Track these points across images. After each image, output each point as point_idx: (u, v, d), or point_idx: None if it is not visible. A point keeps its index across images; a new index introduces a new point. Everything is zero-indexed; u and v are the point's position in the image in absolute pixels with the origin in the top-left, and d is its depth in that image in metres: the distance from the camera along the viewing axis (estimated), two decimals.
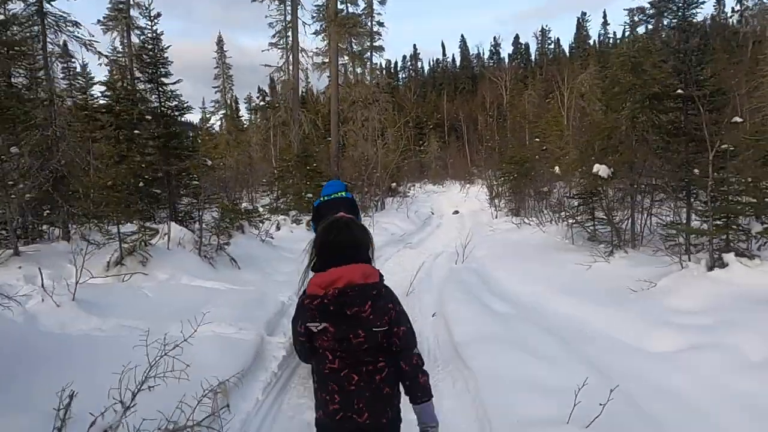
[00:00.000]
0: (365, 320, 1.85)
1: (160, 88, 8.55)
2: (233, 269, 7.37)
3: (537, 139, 18.16)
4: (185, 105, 8.45)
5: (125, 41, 20.22)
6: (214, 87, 29.87)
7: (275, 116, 19.40)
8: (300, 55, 16.78)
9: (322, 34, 17.71)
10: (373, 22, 28.25)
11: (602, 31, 73.71)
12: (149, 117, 8.39)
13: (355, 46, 21.05)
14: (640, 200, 9.01)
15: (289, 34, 17.14)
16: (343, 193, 5.76)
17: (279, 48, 20.00)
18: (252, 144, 29.99)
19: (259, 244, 9.43)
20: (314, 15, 20.77)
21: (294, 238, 11.50)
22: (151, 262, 6.55)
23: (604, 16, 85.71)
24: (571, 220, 10.37)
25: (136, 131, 8.48)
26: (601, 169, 9.04)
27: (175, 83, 8.56)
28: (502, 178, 16.91)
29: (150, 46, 8.41)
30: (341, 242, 1.92)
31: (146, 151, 8.39)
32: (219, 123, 31.85)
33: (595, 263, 7.44)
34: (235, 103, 32.17)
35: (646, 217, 9.34)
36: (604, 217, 9.74)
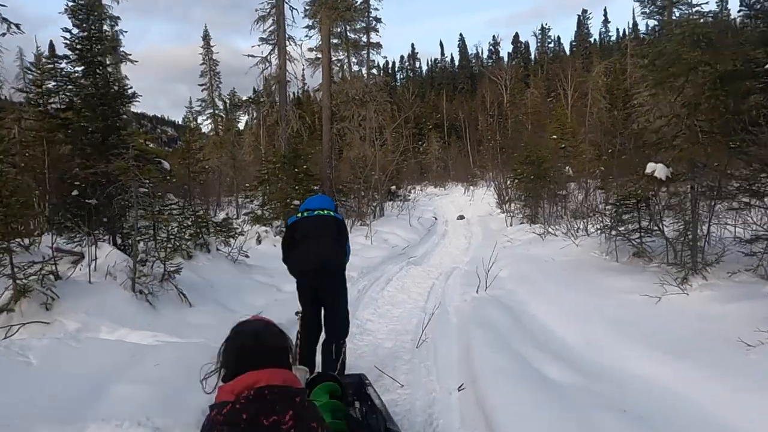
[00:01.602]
0: None
1: (97, 70, 6.68)
2: (181, 307, 5.48)
3: (554, 137, 16.31)
4: (129, 91, 6.56)
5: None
6: (201, 85, 27.95)
7: (261, 113, 17.59)
8: (287, 43, 14.92)
9: (314, 20, 15.88)
10: (370, 17, 26.64)
11: (603, 29, 72.26)
12: (80, 105, 6.52)
13: (350, 35, 19.24)
14: (708, 207, 7.16)
15: (277, 22, 15.25)
16: (331, 212, 4.21)
17: (270, 43, 18.17)
18: (244, 146, 28.15)
19: (228, 266, 7.57)
20: (307, 8, 19.02)
21: (275, 254, 9.57)
22: (60, 304, 4.67)
23: (605, 14, 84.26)
24: (611, 231, 8.56)
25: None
26: (658, 169, 7.16)
27: (116, 63, 6.70)
28: (516, 180, 15.05)
29: (81, 15, 6.51)
30: (265, 347, 1.59)
31: (79, 148, 6.53)
32: (208, 124, 29.94)
33: (665, 294, 5.58)
34: (230, 104, 30.21)
35: (707, 228, 7.51)
36: (656, 228, 7.96)
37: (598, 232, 8.89)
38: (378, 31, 27.83)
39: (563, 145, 15.74)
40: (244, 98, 17.04)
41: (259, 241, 10.45)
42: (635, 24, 59.24)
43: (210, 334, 4.89)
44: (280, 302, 6.42)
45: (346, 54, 27.69)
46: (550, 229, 10.73)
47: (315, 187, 14.12)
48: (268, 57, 15.32)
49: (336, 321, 4.02)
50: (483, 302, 6.16)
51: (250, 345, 1.59)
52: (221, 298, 6.18)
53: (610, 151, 18.49)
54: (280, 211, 11.81)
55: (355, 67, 28.01)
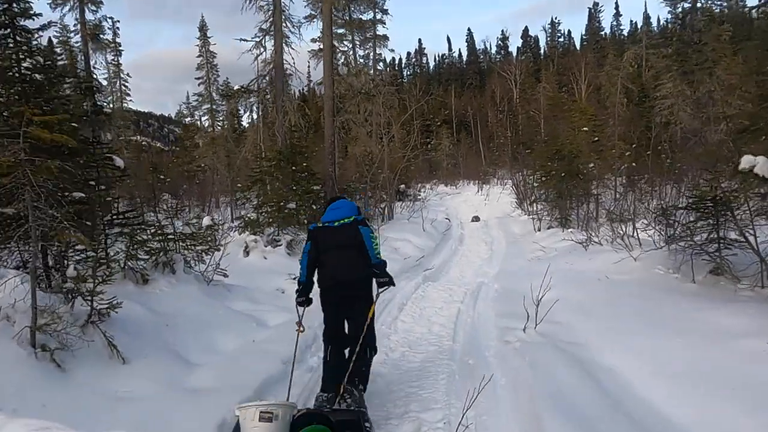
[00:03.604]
0: None
1: (18, 37, 5.05)
2: (109, 366, 3.82)
3: (585, 129, 14.53)
4: (55, 63, 4.93)
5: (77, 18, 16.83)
6: (197, 78, 26.26)
7: (259, 105, 15.99)
8: (284, 24, 13.26)
9: (313, 3, 14.21)
10: (376, 9, 25.06)
11: (614, 22, 69.88)
12: None
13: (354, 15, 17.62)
14: None
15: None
16: (350, 218, 3.77)
17: (270, 34, 16.52)
18: (247, 143, 26.56)
19: (197, 290, 5.91)
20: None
21: (265, 269, 7.99)
22: None
23: (616, 7, 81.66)
24: (680, 242, 6.86)
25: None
26: (760, 163, 5.42)
27: (41, 29, 5.08)
28: (543, 178, 13.30)
29: None
30: None
31: None
32: (206, 119, 28.32)
33: None
34: (221, 94, 28.51)
35: None
36: (742, 238, 6.29)
37: (663, 242, 7.17)
38: (385, 23, 26.40)
39: (596, 138, 14.00)
40: (236, 87, 15.29)
41: (246, 253, 8.81)
42: (647, 16, 57.14)
43: (143, 413, 3.24)
44: (258, 346, 4.76)
45: (351, 45, 26.10)
46: (594, 238, 8.97)
47: (316, 187, 12.47)
48: (263, 41, 13.67)
49: (358, 332, 3.64)
50: (537, 349, 4.46)
51: None
52: (177, 342, 4.52)
53: (634, 146, 16.76)
54: (275, 217, 10.14)
55: (361, 61, 26.43)
